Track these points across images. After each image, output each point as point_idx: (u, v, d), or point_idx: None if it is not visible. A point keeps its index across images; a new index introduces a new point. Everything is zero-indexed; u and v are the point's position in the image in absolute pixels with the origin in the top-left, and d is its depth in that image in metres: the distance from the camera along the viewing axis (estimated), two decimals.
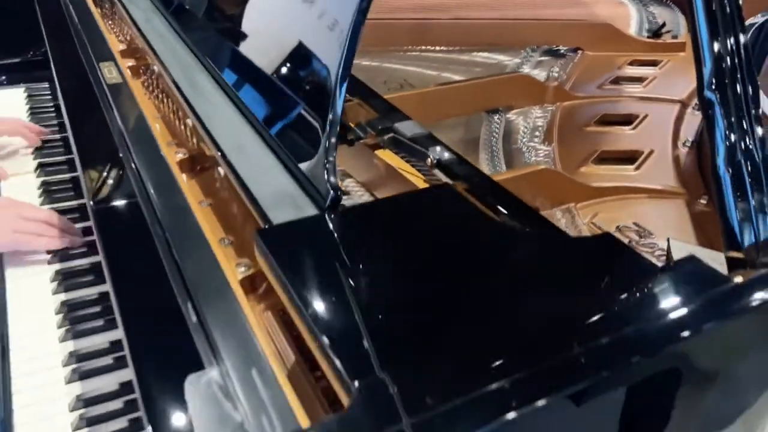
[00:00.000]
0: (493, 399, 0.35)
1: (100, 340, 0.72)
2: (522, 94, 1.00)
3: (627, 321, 0.40)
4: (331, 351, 0.38)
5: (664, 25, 1.34)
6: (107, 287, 0.79)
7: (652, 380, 0.41)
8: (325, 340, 0.39)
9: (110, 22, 1.13)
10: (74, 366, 0.69)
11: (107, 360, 0.70)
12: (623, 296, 0.43)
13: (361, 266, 0.47)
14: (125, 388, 0.66)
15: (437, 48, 1.25)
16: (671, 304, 0.42)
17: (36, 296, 0.79)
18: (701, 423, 0.51)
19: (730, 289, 0.43)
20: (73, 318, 0.75)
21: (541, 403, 0.35)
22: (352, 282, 0.44)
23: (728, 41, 0.50)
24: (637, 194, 0.80)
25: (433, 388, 0.36)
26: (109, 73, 0.86)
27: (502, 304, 0.44)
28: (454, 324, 0.42)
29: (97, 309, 0.77)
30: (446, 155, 0.65)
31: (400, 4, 1.28)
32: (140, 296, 0.53)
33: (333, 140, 0.54)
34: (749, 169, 0.49)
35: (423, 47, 1.24)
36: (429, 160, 0.66)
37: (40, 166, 1.06)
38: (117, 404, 0.65)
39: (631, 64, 1.22)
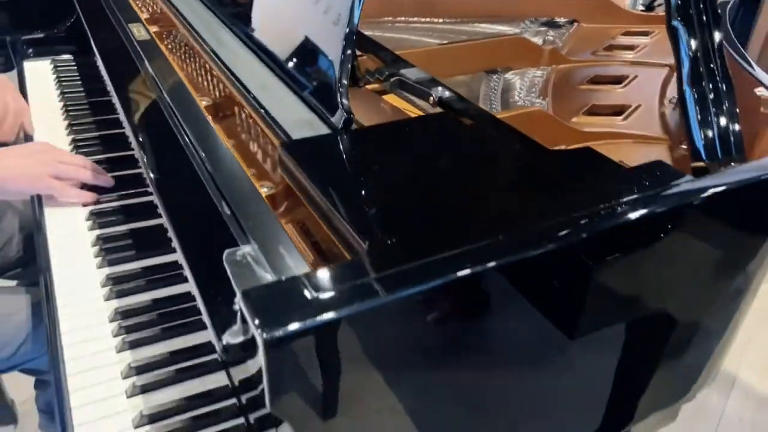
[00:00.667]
0: (469, 256, 0.42)
1: (133, 267, 0.80)
2: (519, 56, 1.07)
3: (595, 202, 0.47)
4: (344, 219, 0.45)
5: None
6: (136, 225, 0.87)
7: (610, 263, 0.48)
8: (339, 212, 0.46)
9: None
10: (111, 287, 0.77)
11: (140, 282, 0.77)
12: (593, 188, 0.50)
13: (366, 167, 0.54)
14: (158, 303, 0.74)
15: (442, 20, 1.32)
16: (633, 192, 0.49)
17: (73, 231, 0.87)
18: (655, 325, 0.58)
19: (688, 180, 0.50)
20: (108, 249, 0.83)
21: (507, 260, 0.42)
22: (358, 177, 0.52)
23: None
24: (623, 139, 0.86)
25: (420, 250, 0.43)
26: (138, 32, 0.94)
27: (482, 195, 0.51)
28: (441, 208, 0.49)
29: (129, 241, 0.84)
30: (447, 93, 0.72)
31: None
32: (183, 203, 0.60)
33: (346, 70, 0.61)
34: (711, 89, 0.56)
35: (429, 19, 1.32)
36: (431, 98, 0.73)
37: (70, 126, 1.14)
38: (151, 316, 0.73)
39: (625, 34, 1.29)
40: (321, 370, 0.38)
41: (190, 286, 0.50)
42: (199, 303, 0.47)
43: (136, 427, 0.60)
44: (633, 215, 0.47)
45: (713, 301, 0.62)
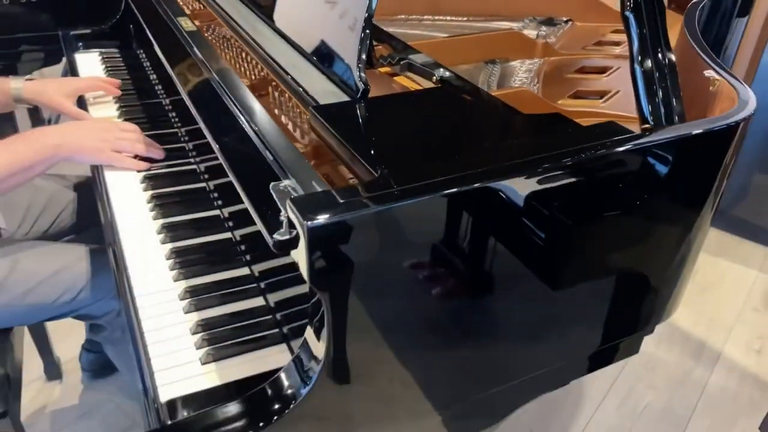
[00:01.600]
0: (447, 182, 0.57)
1: (183, 218, 0.95)
2: (515, 48, 1.21)
3: (556, 147, 0.62)
4: (360, 157, 0.60)
5: None
6: (182, 187, 1.03)
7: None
8: (356, 153, 0.61)
9: None
10: (165, 233, 0.92)
11: (189, 230, 0.93)
12: (554, 137, 0.65)
13: (377, 124, 0.69)
14: (205, 246, 0.89)
15: (449, 18, 1.47)
16: (586, 140, 0.63)
17: (130, 192, 1.02)
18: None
19: (632, 134, 0.65)
20: (160, 205, 0.98)
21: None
22: (371, 131, 0.67)
23: None
24: (600, 118, 1.00)
25: (413, 177, 0.57)
26: (185, 23, 1.10)
27: (465, 143, 0.66)
28: (431, 150, 0.64)
29: (177, 199, 1.00)
30: (447, 73, 0.86)
31: None
32: (238, 153, 0.75)
33: (364, 49, 0.75)
34: (656, 68, 0.71)
35: (437, 17, 1.46)
36: (434, 78, 0.87)
37: (121, 108, 1.30)
38: (200, 254, 0.88)
39: (614, 32, 1.43)
40: (345, 253, 0.53)
41: (246, 209, 0.64)
42: (255, 217, 0.62)
43: (193, 333, 0.75)
44: (586, 155, 0.62)
45: (660, 243, 0.76)
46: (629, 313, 0.82)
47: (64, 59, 2.09)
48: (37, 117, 2.25)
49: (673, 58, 0.73)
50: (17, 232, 1.20)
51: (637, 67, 0.72)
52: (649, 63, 0.72)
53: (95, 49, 1.60)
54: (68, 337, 1.65)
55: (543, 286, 0.69)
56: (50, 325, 1.54)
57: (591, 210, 0.67)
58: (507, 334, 0.72)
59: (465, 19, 1.46)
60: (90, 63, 1.53)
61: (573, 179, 0.63)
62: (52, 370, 1.60)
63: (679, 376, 1.70)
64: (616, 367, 1.72)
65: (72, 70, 1.50)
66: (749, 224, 2.26)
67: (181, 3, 1.29)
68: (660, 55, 0.72)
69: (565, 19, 1.47)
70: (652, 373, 1.71)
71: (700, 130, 0.69)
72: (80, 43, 1.61)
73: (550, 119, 0.70)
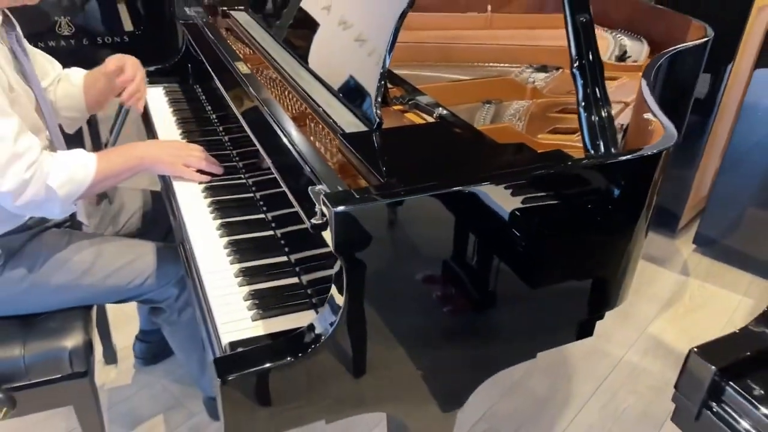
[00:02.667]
0: (436, 186, 0.82)
1: (237, 218, 1.22)
2: (508, 91, 1.47)
3: (514, 165, 0.86)
4: (373, 170, 0.86)
5: (626, 52, 1.80)
6: (235, 195, 1.29)
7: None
8: (371, 168, 0.87)
9: (230, 38, 1.67)
10: (223, 230, 1.18)
11: (244, 227, 1.19)
12: (514, 158, 0.90)
13: (391, 146, 0.95)
14: (256, 240, 1.15)
15: (456, 64, 1.74)
16: (536, 162, 0.88)
17: (194, 198, 1.29)
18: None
19: (574, 159, 0.89)
20: (218, 209, 1.25)
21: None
22: (383, 152, 0.92)
23: (585, 45, 0.97)
24: (572, 149, 1.24)
25: (407, 183, 0.82)
26: (242, 67, 1.38)
27: (453, 161, 0.91)
28: (426, 166, 0.89)
29: (233, 205, 1.26)
30: (444, 112, 1.12)
31: (431, 36, 1.79)
32: (286, 165, 1.01)
33: (380, 94, 1.02)
34: (596, 114, 0.95)
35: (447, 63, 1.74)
36: (434, 115, 1.13)
37: (183, 132, 1.58)
38: (249, 243, 1.14)
39: None
40: (358, 231, 0.78)
41: (291, 210, 0.89)
42: (298, 210, 0.87)
43: (245, 300, 1.00)
44: (536, 173, 0.86)
45: (607, 245, 0.99)
46: (588, 300, 1.05)
47: None
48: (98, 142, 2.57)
49: (610, 106, 0.98)
50: (96, 230, 1.48)
51: (581, 110, 0.97)
52: (590, 108, 0.97)
53: (159, 84, 1.90)
54: (125, 328, 1.92)
55: (511, 272, 0.93)
56: (110, 317, 1.80)
57: (543, 216, 0.92)
58: (492, 299, 0.95)
59: (470, 65, 1.72)
60: (156, 95, 1.83)
61: (526, 191, 0.87)
62: (110, 356, 1.86)
63: (659, 385, 1.89)
64: (601, 373, 1.92)
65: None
66: (737, 252, 2.45)
67: (236, 49, 1.58)
68: (599, 102, 0.97)
69: (556, 66, 1.73)
70: (635, 381, 1.90)
71: (625, 158, 0.94)
72: (147, 79, 1.91)
73: (516, 147, 0.95)
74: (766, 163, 2.23)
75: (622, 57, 1.80)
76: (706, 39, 1.68)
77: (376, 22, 1.09)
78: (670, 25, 1.88)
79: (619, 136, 1.31)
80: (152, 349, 1.86)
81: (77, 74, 1.47)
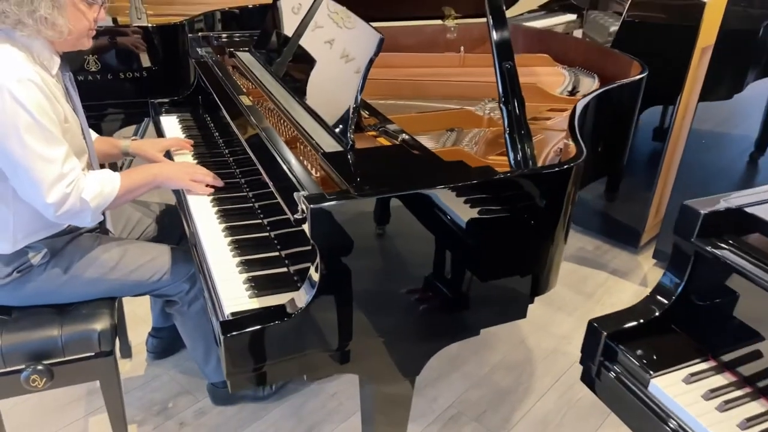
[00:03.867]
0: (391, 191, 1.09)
1: (240, 222, 1.48)
2: (467, 121, 1.75)
3: (455, 179, 1.14)
4: (345, 179, 1.13)
5: (575, 87, 2.09)
6: (236, 205, 1.56)
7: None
8: (344, 177, 1.14)
9: (235, 74, 1.96)
10: (227, 232, 1.45)
11: (247, 233, 1.46)
12: (456, 171, 1.17)
13: (357, 159, 1.22)
14: (254, 239, 1.42)
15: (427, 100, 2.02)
16: (468, 174, 1.15)
17: (202, 205, 1.56)
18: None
19: (496, 173, 1.16)
20: (224, 216, 1.52)
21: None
22: (355, 167, 1.20)
23: (509, 86, 1.25)
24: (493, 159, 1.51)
25: (372, 188, 1.09)
26: (245, 100, 1.66)
27: (409, 173, 1.18)
28: (386, 176, 1.16)
29: (236, 213, 1.53)
30: (406, 137, 1.39)
31: (405, 72, 2.08)
32: (277, 176, 1.29)
33: (353, 121, 1.29)
34: (518, 140, 1.23)
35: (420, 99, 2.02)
36: (399, 139, 1.41)
37: (194, 154, 1.86)
38: (249, 241, 1.40)
39: (549, 110, 1.96)
40: (329, 223, 1.05)
41: (280, 213, 1.16)
42: (285, 209, 1.14)
43: (243, 283, 1.27)
44: (465, 183, 1.13)
45: (531, 243, 1.26)
46: (520, 287, 1.31)
47: (146, 120, 2.72)
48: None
49: (529, 131, 1.26)
50: (120, 235, 1.75)
51: (506, 135, 1.25)
52: (513, 133, 1.24)
53: (174, 114, 2.19)
54: (138, 328, 2.17)
55: (459, 260, 1.19)
56: (126, 318, 2.06)
57: (476, 216, 1.18)
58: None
59: (440, 99, 2.01)
60: (170, 123, 2.12)
61: (458, 196, 1.14)
62: (125, 350, 2.11)
63: None
64: (560, 369, 2.16)
65: (157, 127, 2.09)
66: None
67: (239, 83, 1.87)
68: (519, 129, 1.24)
69: None
70: None
71: (539, 172, 1.21)
72: (163, 108, 2.21)
73: (457, 164, 1.22)
74: (711, 186, 2.50)
75: (573, 92, 2.09)
76: (642, 75, 1.96)
77: (350, 66, 1.38)
78: (615, 63, 2.17)
79: (558, 158, 1.59)
80: (162, 344, 2.11)
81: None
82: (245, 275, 1.30)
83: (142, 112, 2.72)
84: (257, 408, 1.93)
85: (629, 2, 2.62)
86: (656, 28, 2.57)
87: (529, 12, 4.19)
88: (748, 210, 1.13)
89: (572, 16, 4.41)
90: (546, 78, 2.19)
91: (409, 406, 1.42)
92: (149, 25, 2.51)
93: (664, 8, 2.53)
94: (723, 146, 3.34)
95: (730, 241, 1.11)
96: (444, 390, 2.05)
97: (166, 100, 2.23)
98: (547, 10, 4.43)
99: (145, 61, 2.55)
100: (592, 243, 2.99)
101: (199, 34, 2.27)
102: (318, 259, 1.08)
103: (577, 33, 5.17)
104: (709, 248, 1.11)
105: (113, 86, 2.50)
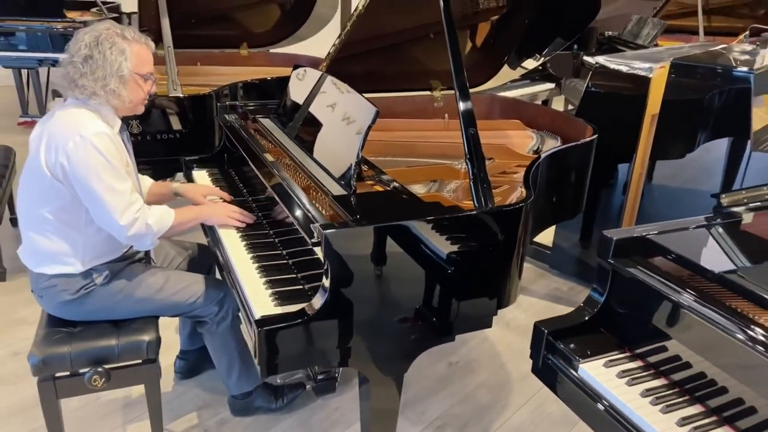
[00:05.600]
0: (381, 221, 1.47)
1: (265, 253, 1.86)
2: (448, 174, 2.15)
3: (431, 213, 1.52)
4: (349, 214, 1.51)
5: (539, 148, 2.50)
6: (263, 240, 1.94)
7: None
8: (348, 213, 1.53)
9: (258, 136, 2.37)
10: (254, 258, 1.82)
11: (272, 259, 1.83)
12: (428, 209, 1.56)
13: (358, 201, 1.61)
14: (275, 265, 1.79)
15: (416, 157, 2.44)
16: (438, 210, 1.54)
17: (232, 238, 1.94)
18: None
19: (462, 210, 1.55)
20: (252, 246, 1.89)
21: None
22: (356, 206, 1.59)
23: (473, 146, 1.66)
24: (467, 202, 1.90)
25: (366, 220, 1.47)
26: (269, 156, 2.07)
27: (397, 211, 1.57)
28: (379, 214, 1.54)
29: (260, 246, 1.91)
30: (397, 185, 1.79)
31: (398, 135, 2.50)
32: (296, 213, 1.67)
33: (355, 172, 1.69)
34: (479, 184, 1.62)
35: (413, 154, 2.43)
36: (390, 186, 1.80)
37: (223, 200, 2.26)
38: (273, 265, 1.77)
39: (518, 166, 2.37)
40: (338, 244, 1.42)
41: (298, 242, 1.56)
42: (305, 237, 1.52)
43: (269, 296, 1.63)
44: (439, 217, 1.52)
45: (489, 264, 1.63)
46: (485, 300, 1.67)
47: (176, 175, 3.13)
48: None
49: (488, 180, 1.65)
50: (161, 265, 2.12)
51: (471, 183, 1.64)
52: (476, 182, 1.64)
53: (203, 168, 2.59)
54: (165, 354, 2.50)
55: (431, 277, 1.56)
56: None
57: (449, 246, 1.56)
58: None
59: (428, 155, 2.42)
60: (202, 177, 2.52)
61: (437, 229, 1.52)
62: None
63: None
64: (535, 388, 2.47)
65: (190, 180, 2.49)
66: None
67: (261, 142, 2.28)
68: (480, 178, 1.64)
69: (488, 157, 2.42)
70: None
71: (496, 210, 1.59)
72: (194, 164, 2.61)
73: (433, 205, 1.61)
74: None
75: (538, 151, 2.50)
76: (593, 138, 2.37)
77: (352, 128, 1.79)
78: (575, 127, 2.60)
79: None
80: (188, 365, 2.44)
81: (146, 181, 2.15)
82: (270, 290, 1.66)
83: (169, 168, 3.14)
84: (270, 419, 2.24)
85: (590, 74, 3.08)
86: (613, 96, 3.02)
87: (512, 81, 4.68)
88: (651, 238, 1.51)
89: (551, 85, 4.93)
90: (516, 140, 2.62)
91: (396, 417, 1.77)
92: (183, 95, 2.96)
93: (618, 79, 2.98)
94: (683, 199, 3.77)
95: (638, 262, 1.48)
96: (432, 405, 2.37)
97: (195, 157, 2.64)
98: (529, 79, 4.94)
99: (177, 124, 2.98)
100: (566, 284, 3.35)
101: (227, 103, 2.70)
102: (328, 272, 1.45)
103: (558, 98, 5.71)
104: (621, 267, 1.48)
105: (151, 145, 2.93)
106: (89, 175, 1.67)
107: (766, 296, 1.31)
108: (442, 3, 1.84)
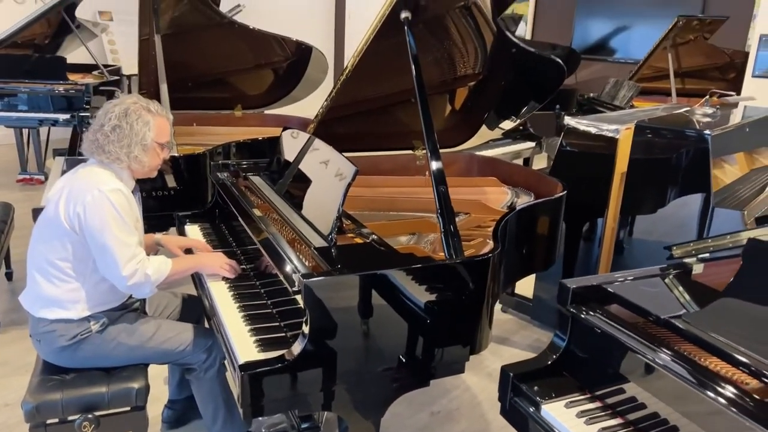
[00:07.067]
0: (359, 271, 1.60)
1: (251, 303, 1.97)
2: (426, 227, 2.29)
3: (407, 263, 1.65)
4: (328, 263, 1.64)
5: (513, 203, 2.66)
6: (247, 290, 2.05)
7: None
8: (327, 262, 1.65)
9: (248, 193, 2.51)
10: (239, 306, 1.93)
11: (251, 305, 1.94)
12: (403, 258, 1.69)
13: (338, 252, 1.74)
14: (259, 314, 1.90)
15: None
16: (416, 260, 1.67)
17: (220, 288, 2.05)
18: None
19: (434, 260, 1.68)
20: (239, 295, 2.00)
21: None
22: (336, 257, 1.71)
23: (444, 203, 1.80)
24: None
25: (344, 269, 1.60)
26: (257, 212, 2.21)
27: (372, 261, 1.70)
28: (357, 264, 1.67)
29: (248, 295, 2.02)
30: (375, 237, 1.92)
31: (382, 191, 2.66)
32: (276, 259, 1.80)
33: (336, 226, 1.83)
34: (450, 236, 1.76)
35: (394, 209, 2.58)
36: (370, 239, 1.93)
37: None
38: (259, 314, 1.88)
39: (491, 220, 2.51)
40: (317, 291, 1.55)
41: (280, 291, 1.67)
42: (287, 285, 1.64)
43: (254, 343, 1.73)
44: (412, 267, 1.64)
45: (461, 311, 1.75)
46: (457, 348, 1.77)
47: (172, 228, 3.24)
48: None
49: (457, 233, 1.79)
50: (153, 314, 2.22)
51: (442, 235, 1.78)
52: (447, 235, 1.77)
53: (195, 223, 2.72)
54: (152, 405, 2.56)
55: (404, 322, 1.67)
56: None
57: (423, 294, 1.68)
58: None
59: (411, 210, 2.57)
60: (194, 231, 2.65)
61: (411, 277, 1.64)
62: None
63: None
64: None
65: (183, 235, 2.62)
66: None
67: (251, 199, 2.42)
68: (450, 232, 1.77)
69: (465, 212, 2.57)
70: None
71: (465, 261, 1.72)
72: (186, 220, 2.75)
73: (407, 255, 1.74)
74: None
75: (512, 206, 2.66)
76: (562, 194, 2.53)
77: (334, 185, 1.94)
78: (546, 184, 2.76)
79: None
80: (176, 414, 2.49)
81: None
82: (254, 337, 1.77)
83: (163, 222, 3.27)
84: None
85: (563, 133, 3.28)
86: (585, 155, 3.20)
87: (494, 140, 4.90)
88: (607, 286, 1.64)
89: (531, 144, 5.15)
90: (492, 195, 2.77)
91: None
92: (178, 154, 3.13)
93: (588, 139, 3.17)
94: (660, 252, 3.89)
95: (595, 309, 1.60)
96: None
97: (188, 213, 2.78)
98: (511, 138, 5.17)
99: (171, 182, 3.14)
100: (547, 335, 3.44)
101: (220, 161, 2.86)
102: (308, 319, 1.56)
103: (540, 156, 5.93)
104: (578, 313, 1.60)
105: (145, 201, 3.04)
106: (102, 226, 1.82)
107: (710, 341, 1.42)
108: (414, 73, 2.02)
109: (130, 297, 2.07)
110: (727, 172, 3.45)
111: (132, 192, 2.00)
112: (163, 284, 1.99)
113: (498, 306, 3.66)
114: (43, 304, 1.93)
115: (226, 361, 1.74)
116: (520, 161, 5.18)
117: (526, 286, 3.55)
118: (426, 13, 2.38)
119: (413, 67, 2.08)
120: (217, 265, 2.11)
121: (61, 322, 1.92)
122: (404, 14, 2.15)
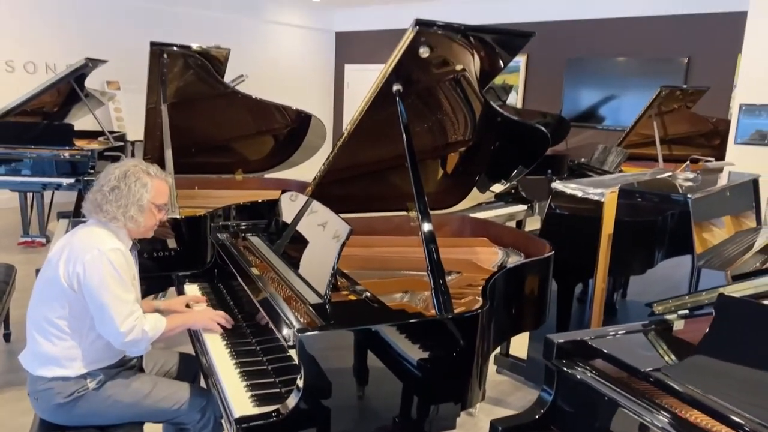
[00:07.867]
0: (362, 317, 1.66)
1: (249, 359, 2.01)
2: (418, 285, 2.37)
3: (393, 318, 1.72)
4: (322, 318, 1.71)
5: (504, 263, 2.74)
6: (241, 347, 2.11)
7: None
8: (322, 317, 1.72)
9: (246, 253, 2.60)
10: (235, 361, 1.97)
11: (247, 360, 1.99)
12: (392, 314, 1.76)
13: (332, 310, 1.81)
14: (254, 370, 1.94)
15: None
16: (404, 316, 1.74)
17: (217, 344, 2.10)
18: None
19: (424, 318, 1.74)
20: (236, 351, 2.05)
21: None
22: (329, 311, 1.78)
23: (435, 261, 1.89)
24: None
25: (337, 324, 1.67)
26: (255, 271, 2.29)
27: (364, 316, 1.76)
28: (351, 318, 1.74)
29: (241, 349, 2.07)
30: (368, 294, 1.99)
31: (377, 250, 2.75)
32: (271, 314, 1.86)
33: (331, 284, 1.91)
34: (440, 294, 1.84)
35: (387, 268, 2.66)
36: (363, 296, 2.00)
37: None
38: (254, 370, 1.92)
39: (482, 279, 2.58)
40: (309, 345, 1.61)
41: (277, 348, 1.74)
42: (282, 341, 1.70)
43: (249, 398, 1.77)
44: (400, 323, 1.71)
45: (451, 366, 1.80)
46: (449, 404, 1.82)
47: (171, 289, 3.32)
48: None
49: (447, 290, 1.86)
50: (150, 373, 2.26)
51: (432, 293, 1.85)
52: (437, 292, 1.85)
53: (194, 283, 2.79)
54: None
55: (395, 378, 1.72)
56: None
57: (414, 350, 1.74)
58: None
59: (399, 269, 2.65)
60: (193, 290, 2.71)
61: (402, 332, 1.71)
62: None
63: None
64: None
65: (182, 294, 2.68)
66: None
67: (252, 260, 2.51)
68: (440, 290, 1.85)
69: (457, 270, 2.65)
70: None
71: (455, 316, 1.79)
72: (186, 279, 2.82)
73: (399, 311, 1.81)
74: None
75: (502, 266, 2.74)
76: (549, 254, 2.62)
77: (329, 245, 2.03)
78: (534, 244, 2.85)
79: None
80: None
81: None
82: (250, 392, 1.81)
83: (162, 282, 3.33)
84: None
85: (551, 196, 3.40)
86: (572, 218, 3.32)
87: (487, 203, 5.04)
88: (590, 342, 1.71)
89: (523, 207, 5.28)
90: (484, 255, 2.86)
91: None
92: (180, 216, 3.23)
93: (576, 202, 3.30)
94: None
95: (579, 363, 1.66)
96: None
97: (188, 273, 2.86)
98: (503, 201, 5.31)
99: (172, 243, 3.22)
100: None
101: (220, 223, 2.96)
102: (302, 374, 1.62)
103: (533, 219, 6.06)
104: (562, 367, 1.65)
105: (148, 263, 3.14)
106: (101, 285, 1.89)
107: (689, 395, 1.48)
108: (405, 140, 2.15)
109: (126, 354, 2.11)
110: (715, 234, 3.56)
111: (129, 250, 2.08)
112: (159, 341, 2.04)
113: (493, 367, 3.67)
114: (41, 363, 1.98)
115: (222, 420, 1.77)
116: (513, 224, 5.29)
117: (520, 347, 3.59)
118: (418, 85, 2.55)
119: (404, 134, 2.22)
120: (207, 318, 2.17)
121: (58, 379, 1.96)
122: (396, 86, 2.30)
